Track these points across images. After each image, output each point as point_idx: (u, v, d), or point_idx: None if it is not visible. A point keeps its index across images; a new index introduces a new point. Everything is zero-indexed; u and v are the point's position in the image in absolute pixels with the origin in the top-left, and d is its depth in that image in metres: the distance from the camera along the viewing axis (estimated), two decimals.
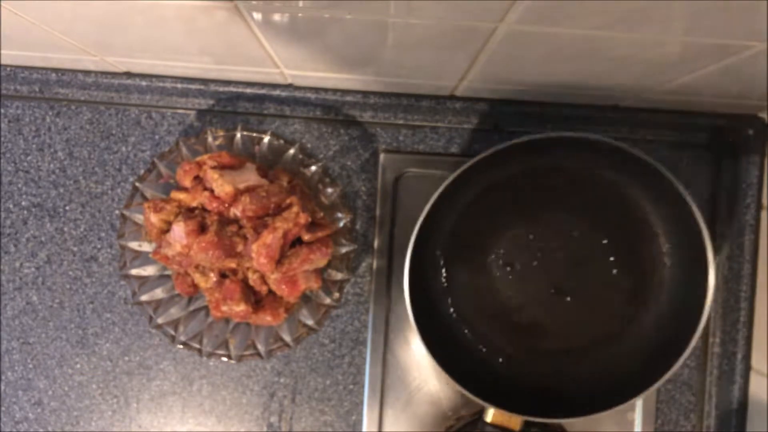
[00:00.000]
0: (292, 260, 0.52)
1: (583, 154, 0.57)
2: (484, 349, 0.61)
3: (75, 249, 0.64)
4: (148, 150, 0.64)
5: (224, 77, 0.62)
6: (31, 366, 0.65)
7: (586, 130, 0.63)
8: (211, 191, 0.53)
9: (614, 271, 0.60)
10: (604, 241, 0.60)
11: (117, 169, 0.64)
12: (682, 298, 0.57)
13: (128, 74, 0.63)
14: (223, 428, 0.64)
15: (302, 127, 0.64)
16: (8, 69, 0.63)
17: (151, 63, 0.59)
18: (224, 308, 0.54)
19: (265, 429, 0.64)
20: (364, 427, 0.63)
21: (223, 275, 0.54)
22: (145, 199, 0.57)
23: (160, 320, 0.57)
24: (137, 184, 0.57)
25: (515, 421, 0.56)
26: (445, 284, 0.61)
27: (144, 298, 0.57)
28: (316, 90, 0.63)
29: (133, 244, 0.58)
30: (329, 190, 0.59)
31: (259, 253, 0.50)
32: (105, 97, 0.64)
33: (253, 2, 0.39)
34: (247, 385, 0.64)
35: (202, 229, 0.52)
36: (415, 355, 0.63)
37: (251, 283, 0.54)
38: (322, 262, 0.54)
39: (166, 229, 0.54)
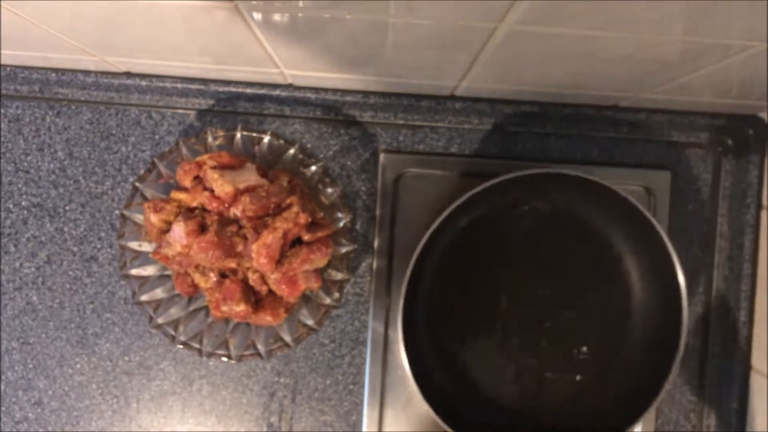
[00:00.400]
0: (292, 260, 0.52)
1: (558, 191, 0.59)
2: (483, 394, 0.61)
3: (75, 249, 0.64)
4: (148, 150, 0.64)
5: (224, 77, 0.62)
6: (31, 366, 0.65)
7: (585, 130, 0.64)
8: (211, 191, 0.53)
9: (589, 308, 0.61)
10: (582, 272, 0.61)
11: (117, 169, 0.64)
12: (659, 334, 0.58)
13: (128, 74, 0.63)
14: (223, 428, 0.64)
15: (302, 127, 0.64)
16: (8, 69, 0.63)
17: (151, 63, 0.59)
18: (224, 308, 0.54)
19: (265, 429, 0.64)
20: (364, 427, 0.63)
21: (223, 275, 0.54)
22: (145, 199, 0.57)
23: (160, 320, 0.57)
24: (137, 184, 0.57)
25: None
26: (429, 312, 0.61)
27: (144, 298, 0.57)
28: (316, 90, 0.63)
29: (133, 244, 0.58)
30: (329, 190, 0.59)
31: (259, 253, 0.50)
32: (105, 97, 0.64)
33: (253, 2, 0.39)
34: (247, 385, 0.64)
35: (202, 229, 0.52)
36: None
37: (251, 283, 0.54)
38: (322, 262, 0.54)
39: (166, 229, 0.54)
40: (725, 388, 0.64)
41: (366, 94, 0.63)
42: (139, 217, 0.57)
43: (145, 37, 0.50)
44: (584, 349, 0.61)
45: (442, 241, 0.60)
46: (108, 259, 0.64)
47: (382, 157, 0.64)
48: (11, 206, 0.64)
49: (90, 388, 0.64)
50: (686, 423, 0.65)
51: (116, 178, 0.64)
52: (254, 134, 0.59)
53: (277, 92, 0.63)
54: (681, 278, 0.54)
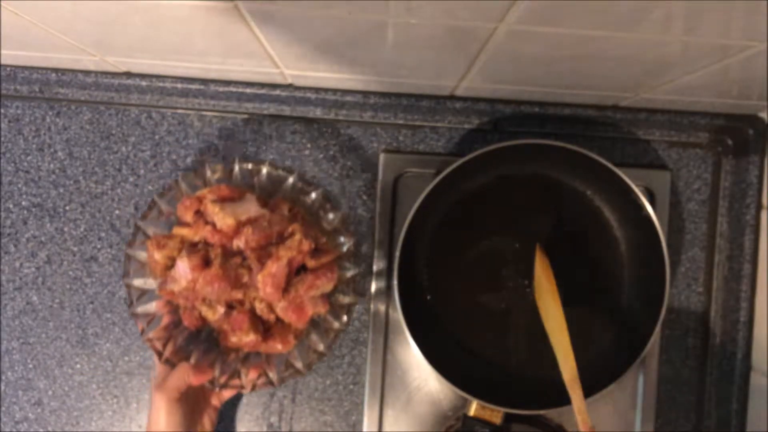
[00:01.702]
0: (299, 287, 0.52)
1: (548, 160, 0.60)
2: (465, 345, 0.62)
3: (75, 249, 0.64)
4: (148, 150, 0.64)
5: (224, 77, 0.62)
6: (31, 366, 0.65)
7: (585, 130, 0.64)
8: (213, 225, 0.53)
9: (579, 269, 0.62)
10: (570, 239, 0.62)
11: (117, 169, 0.64)
12: (643, 291, 0.60)
13: (128, 74, 0.63)
14: (223, 428, 0.64)
15: (302, 127, 0.64)
16: (8, 69, 0.63)
17: (151, 63, 0.59)
18: (234, 339, 0.53)
19: (265, 429, 0.64)
20: (364, 427, 0.63)
21: (230, 306, 0.54)
22: (147, 237, 0.56)
23: (168, 354, 0.55)
24: (139, 222, 0.56)
25: (497, 414, 0.58)
26: (428, 283, 0.62)
27: (152, 335, 0.55)
28: (316, 90, 0.63)
29: (139, 282, 0.56)
30: (331, 215, 0.58)
31: (265, 282, 0.50)
32: (105, 97, 0.64)
33: (253, 2, 0.39)
34: None
35: (206, 262, 0.52)
36: (415, 355, 0.63)
37: (259, 312, 0.54)
38: (328, 287, 0.54)
39: (170, 265, 0.53)
40: (725, 388, 0.64)
41: (366, 94, 0.63)
42: (142, 255, 0.56)
43: (145, 37, 0.50)
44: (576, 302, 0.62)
45: (432, 219, 0.60)
46: (108, 259, 0.64)
47: (382, 157, 0.64)
48: (11, 206, 0.64)
49: (90, 388, 0.64)
50: (686, 423, 0.65)
51: (116, 178, 0.64)
52: (252, 166, 0.58)
53: (277, 92, 0.63)
54: (653, 215, 0.56)
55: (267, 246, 0.53)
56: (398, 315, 0.57)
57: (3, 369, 0.65)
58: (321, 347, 0.56)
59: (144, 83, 0.63)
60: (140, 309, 0.56)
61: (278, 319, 0.55)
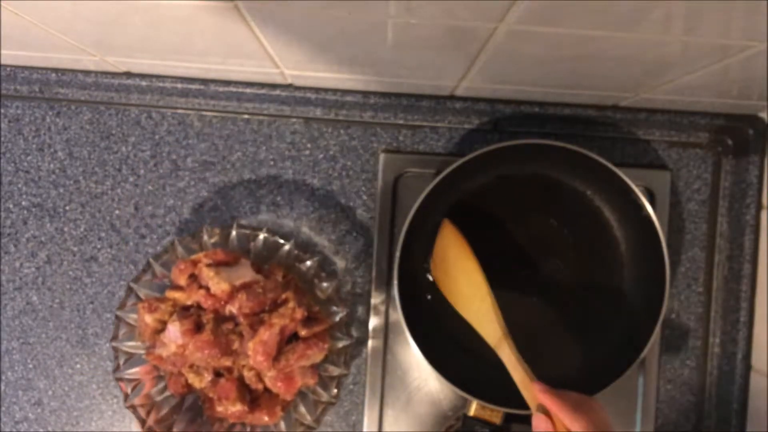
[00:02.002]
0: (289, 356, 0.52)
1: (546, 160, 0.60)
2: (465, 345, 0.61)
3: (75, 249, 0.64)
4: (148, 150, 0.64)
5: (224, 77, 0.62)
6: (31, 366, 0.65)
7: (585, 130, 0.64)
8: (207, 289, 0.52)
9: (579, 269, 0.62)
10: (570, 240, 0.62)
11: (117, 169, 0.64)
12: (643, 291, 0.60)
13: (128, 74, 0.63)
14: None
15: (302, 127, 0.64)
16: (8, 69, 0.63)
17: (151, 63, 0.59)
18: (220, 408, 0.53)
19: None
20: (364, 427, 0.63)
21: (217, 374, 0.53)
22: (139, 299, 0.56)
23: (151, 423, 0.54)
24: (132, 284, 0.56)
25: (497, 414, 0.58)
26: (428, 283, 0.62)
27: (137, 401, 0.54)
28: (316, 90, 0.63)
29: (127, 345, 0.56)
30: (325, 284, 0.58)
31: (256, 350, 0.50)
32: (105, 97, 0.64)
33: (253, 2, 0.39)
34: None
35: (198, 327, 0.51)
36: (415, 355, 0.63)
37: (247, 381, 0.53)
38: (318, 357, 0.54)
39: (160, 329, 0.53)
40: (725, 388, 0.64)
41: (366, 94, 0.63)
42: (132, 317, 0.56)
43: (145, 37, 0.50)
44: (579, 298, 0.62)
45: (432, 219, 0.60)
46: (108, 259, 0.64)
47: (382, 157, 0.64)
48: (11, 206, 0.64)
49: (90, 388, 0.64)
50: (686, 423, 0.65)
51: (116, 178, 0.64)
52: (249, 231, 0.58)
53: (277, 92, 0.63)
54: (652, 214, 0.56)
55: (260, 313, 0.52)
56: (398, 315, 0.57)
57: (3, 369, 0.65)
58: (309, 420, 0.55)
59: (144, 83, 0.63)
60: (126, 373, 0.55)
61: (266, 389, 0.54)
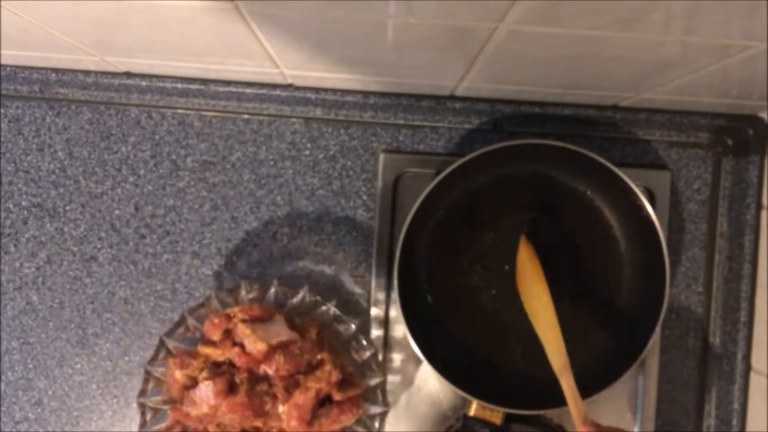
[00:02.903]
0: (323, 421, 0.50)
1: (545, 159, 0.60)
2: (465, 344, 0.62)
3: (75, 249, 0.64)
4: (148, 150, 0.64)
5: (224, 77, 0.62)
6: (31, 366, 0.65)
7: (585, 130, 0.64)
8: (242, 346, 0.50)
9: (579, 269, 0.62)
10: (570, 240, 0.62)
11: (117, 169, 0.64)
12: (643, 291, 0.60)
13: (128, 74, 0.63)
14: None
15: (302, 127, 0.64)
16: (8, 69, 0.63)
17: (151, 63, 0.59)
18: None
19: None
20: None
21: None
22: (169, 353, 0.53)
23: None
24: (164, 338, 0.54)
25: (497, 414, 0.58)
26: (428, 283, 0.62)
27: None
28: (316, 90, 0.63)
29: (154, 401, 0.53)
30: (365, 352, 0.56)
31: (290, 414, 0.48)
32: (105, 97, 0.64)
33: (253, 2, 0.39)
34: None
35: (231, 387, 0.49)
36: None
37: None
38: (351, 422, 0.52)
39: (189, 385, 0.50)
40: (725, 388, 0.64)
41: (366, 94, 0.63)
42: (160, 371, 0.54)
43: (145, 37, 0.50)
44: (578, 299, 0.63)
45: (432, 219, 0.60)
46: (108, 259, 0.64)
47: (382, 157, 0.64)
48: (11, 206, 0.64)
49: (90, 388, 0.64)
50: (686, 423, 0.65)
51: (116, 178, 0.64)
52: (289, 289, 0.56)
53: (277, 92, 0.63)
54: (652, 213, 0.56)
55: (295, 374, 0.50)
56: (398, 315, 0.57)
57: (3, 369, 0.65)
58: None
59: (144, 83, 0.63)
60: (153, 429, 0.52)
61: None
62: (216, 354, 0.51)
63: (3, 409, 0.65)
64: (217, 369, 0.50)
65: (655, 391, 0.63)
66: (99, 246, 0.64)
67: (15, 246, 0.64)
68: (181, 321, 0.55)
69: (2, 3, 0.43)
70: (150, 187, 0.64)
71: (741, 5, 0.34)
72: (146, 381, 0.54)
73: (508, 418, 0.58)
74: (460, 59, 0.50)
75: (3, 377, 0.65)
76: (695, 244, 0.65)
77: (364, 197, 0.64)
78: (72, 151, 0.64)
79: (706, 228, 0.65)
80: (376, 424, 0.55)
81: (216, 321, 0.52)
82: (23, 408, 0.65)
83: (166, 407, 0.53)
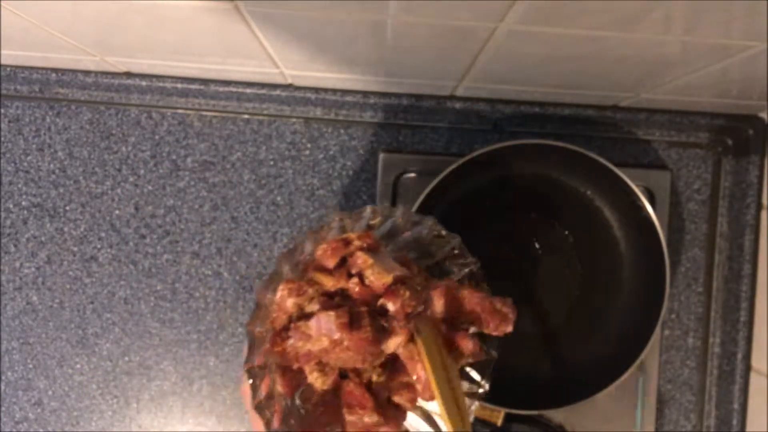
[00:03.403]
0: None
1: (543, 159, 0.60)
2: None
3: (75, 249, 0.64)
4: (148, 150, 0.64)
5: (224, 77, 0.62)
6: (31, 366, 0.65)
7: (585, 130, 0.64)
8: (359, 277, 0.44)
9: (580, 268, 0.62)
10: (570, 240, 0.62)
11: (117, 169, 0.64)
12: (643, 291, 0.60)
13: (128, 74, 0.63)
14: (223, 428, 0.64)
15: (302, 127, 0.64)
16: (8, 69, 0.63)
17: (151, 63, 0.59)
18: (351, 417, 0.44)
19: None
20: None
21: (342, 375, 0.45)
22: (280, 278, 0.46)
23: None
24: (281, 258, 0.48)
25: (497, 414, 0.58)
26: None
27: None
28: (316, 90, 0.63)
29: (260, 330, 0.47)
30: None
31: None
32: (105, 97, 0.64)
33: (253, 2, 0.39)
34: None
35: (351, 322, 0.43)
36: None
37: (374, 386, 0.45)
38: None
39: (298, 316, 0.44)
40: (725, 388, 0.64)
41: (366, 94, 0.63)
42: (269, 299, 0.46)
43: (145, 37, 0.50)
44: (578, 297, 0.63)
45: (434, 214, 0.59)
46: (108, 259, 0.64)
47: (382, 157, 0.64)
48: (11, 206, 0.64)
49: (90, 388, 0.64)
50: (686, 423, 0.65)
51: (116, 178, 0.64)
52: (417, 217, 0.50)
53: (277, 92, 0.63)
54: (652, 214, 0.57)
55: (414, 312, 0.44)
56: None
57: (3, 369, 0.65)
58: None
59: (144, 83, 0.63)
60: (257, 365, 0.46)
61: (389, 400, 0.45)
62: (331, 283, 0.45)
63: (3, 409, 0.65)
64: (330, 300, 0.44)
65: (655, 391, 0.63)
66: (99, 246, 0.64)
67: (15, 246, 0.65)
68: (301, 242, 0.48)
69: (2, 3, 0.43)
70: (150, 187, 0.64)
71: (741, 5, 0.34)
72: (259, 308, 0.47)
73: (508, 418, 0.58)
74: (460, 59, 0.50)
75: (3, 377, 0.65)
76: (695, 244, 0.65)
77: (364, 197, 0.64)
78: (72, 151, 0.64)
79: (706, 228, 0.65)
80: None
81: (334, 245, 0.45)
82: (23, 408, 0.65)
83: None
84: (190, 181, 0.64)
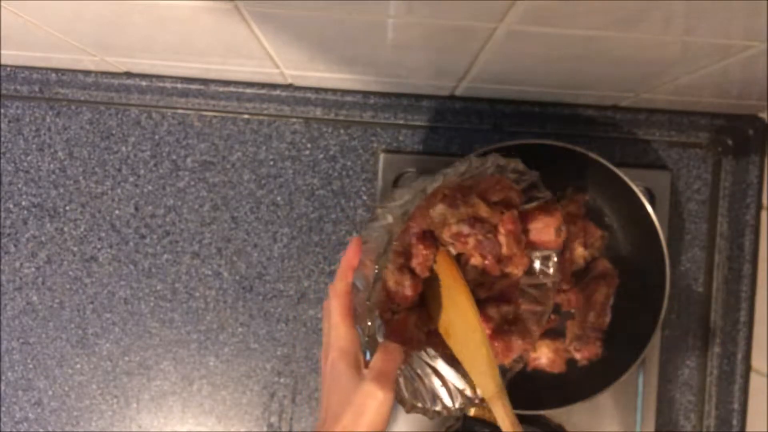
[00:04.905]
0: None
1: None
2: None
3: (75, 249, 0.64)
4: (148, 150, 0.64)
5: (224, 77, 0.62)
6: (31, 366, 0.65)
7: (585, 130, 0.64)
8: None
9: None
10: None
11: (117, 169, 0.64)
12: (643, 291, 0.60)
13: (128, 74, 0.63)
14: (223, 428, 0.64)
15: (302, 127, 0.64)
16: (8, 69, 0.63)
17: (151, 63, 0.59)
18: (509, 270, 0.50)
19: (265, 429, 0.64)
20: None
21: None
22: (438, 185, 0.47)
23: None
24: (444, 172, 0.46)
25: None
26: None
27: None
28: (316, 90, 0.63)
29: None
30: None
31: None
32: (105, 97, 0.64)
33: (253, 2, 0.39)
34: (247, 385, 0.64)
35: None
36: None
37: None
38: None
39: (439, 224, 0.48)
40: (725, 388, 0.64)
41: (366, 94, 0.63)
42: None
43: (145, 37, 0.50)
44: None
45: None
46: (108, 259, 0.64)
47: (382, 157, 0.64)
48: (11, 206, 0.64)
49: (90, 388, 0.64)
50: (686, 423, 0.65)
51: (116, 178, 0.64)
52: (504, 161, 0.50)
53: (277, 92, 0.63)
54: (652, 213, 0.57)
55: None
56: None
57: (3, 369, 0.65)
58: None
59: (144, 83, 0.63)
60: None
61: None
62: (485, 212, 0.49)
63: (3, 409, 0.65)
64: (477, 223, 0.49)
65: (655, 391, 0.63)
66: (99, 246, 0.64)
67: (15, 246, 0.65)
68: (466, 160, 0.47)
69: (2, 3, 0.43)
70: (150, 187, 0.64)
71: (741, 5, 0.34)
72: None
73: None
74: (460, 59, 0.50)
75: (3, 377, 0.65)
76: (695, 244, 0.65)
77: (364, 197, 0.64)
78: (72, 151, 0.64)
79: (706, 228, 0.65)
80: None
81: (502, 186, 0.51)
82: (23, 408, 0.65)
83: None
84: (190, 181, 0.64)
